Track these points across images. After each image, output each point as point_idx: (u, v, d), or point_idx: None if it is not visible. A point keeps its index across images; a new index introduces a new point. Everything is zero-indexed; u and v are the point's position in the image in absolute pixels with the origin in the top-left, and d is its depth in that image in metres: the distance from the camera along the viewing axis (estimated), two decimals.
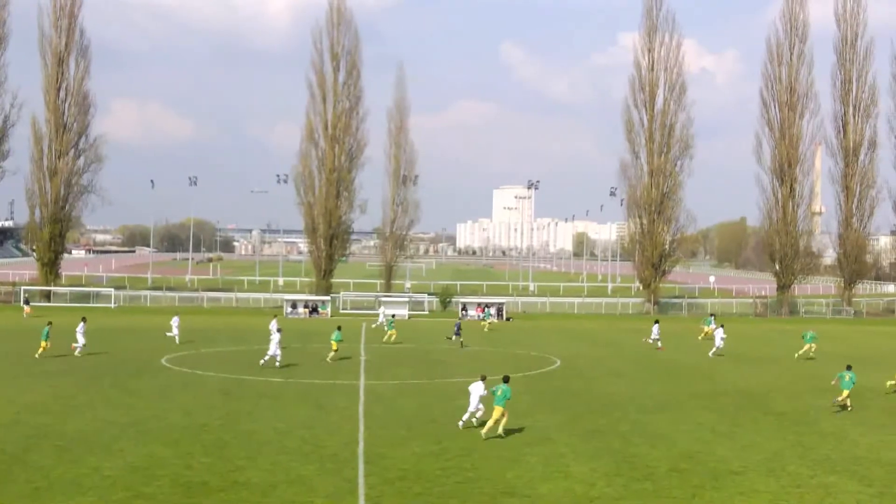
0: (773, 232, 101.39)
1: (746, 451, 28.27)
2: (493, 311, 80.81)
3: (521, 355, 54.83)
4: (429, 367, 48.27)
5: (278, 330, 47.30)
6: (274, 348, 45.50)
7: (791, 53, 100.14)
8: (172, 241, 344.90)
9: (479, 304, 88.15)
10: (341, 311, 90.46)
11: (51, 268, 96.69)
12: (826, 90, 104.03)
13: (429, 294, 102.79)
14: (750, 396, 39.74)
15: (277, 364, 45.23)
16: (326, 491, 22.73)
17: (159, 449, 26.78)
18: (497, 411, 29.20)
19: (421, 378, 43.85)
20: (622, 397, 38.84)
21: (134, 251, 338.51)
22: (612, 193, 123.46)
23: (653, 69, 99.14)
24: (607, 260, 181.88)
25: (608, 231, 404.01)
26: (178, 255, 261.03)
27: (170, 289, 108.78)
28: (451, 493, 22.81)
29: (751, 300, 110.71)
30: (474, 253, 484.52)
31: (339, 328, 52.04)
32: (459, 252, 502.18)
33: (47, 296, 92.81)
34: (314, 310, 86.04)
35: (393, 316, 67.21)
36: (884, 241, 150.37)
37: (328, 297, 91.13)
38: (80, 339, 49.59)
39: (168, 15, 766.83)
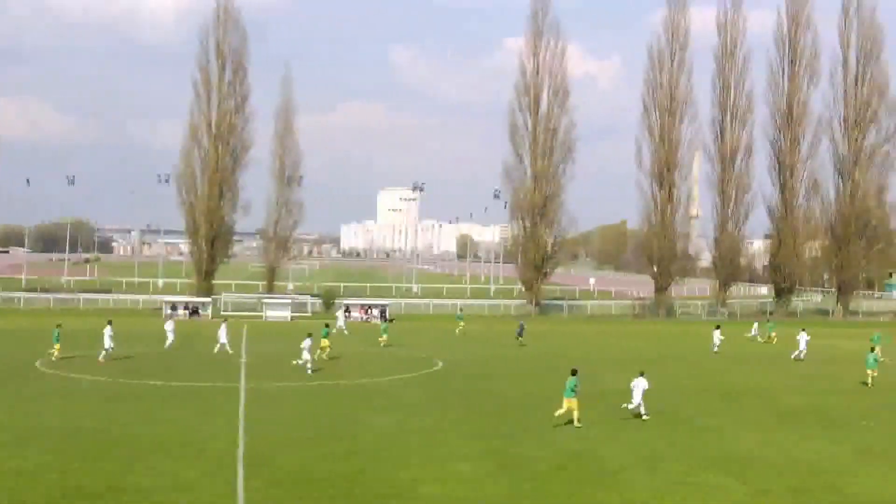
0: (651, 235, 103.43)
1: (628, 449, 28.77)
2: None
3: (405, 356, 54.80)
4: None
5: (309, 335, 46.74)
6: (307, 354, 45.37)
7: (672, 61, 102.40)
8: (48, 241, 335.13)
9: (361, 306, 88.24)
10: (223, 313, 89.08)
11: None
12: (705, 97, 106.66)
13: (312, 295, 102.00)
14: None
15: (309, 370, 44.95)
16: (207, 495, 22.38)
17: (35, 455, 26.01)
18: (569, 402, 31.87)
19: (302, 380, 43.40)
20: (505, 398, 39.16)
21: (8, 251, 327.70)
22: (496, 196, 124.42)
23: (537, 73, 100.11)
24: (490, 262, 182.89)
25: (492, 233, 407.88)
26: (55, 256, 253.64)
27: (45, 290, 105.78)
28: (336, 495, 22.68)
29: (629, 302, 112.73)
30: (358, 255, 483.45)
31: (326, 325, 54.59)
32: (343, 254, 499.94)
33: None
34: (195, 311, 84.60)
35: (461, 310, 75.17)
36: (757, 245, 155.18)
37: (209, 299, 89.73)
38: (108, 343, 48.62)
39: (46, 8, 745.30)
